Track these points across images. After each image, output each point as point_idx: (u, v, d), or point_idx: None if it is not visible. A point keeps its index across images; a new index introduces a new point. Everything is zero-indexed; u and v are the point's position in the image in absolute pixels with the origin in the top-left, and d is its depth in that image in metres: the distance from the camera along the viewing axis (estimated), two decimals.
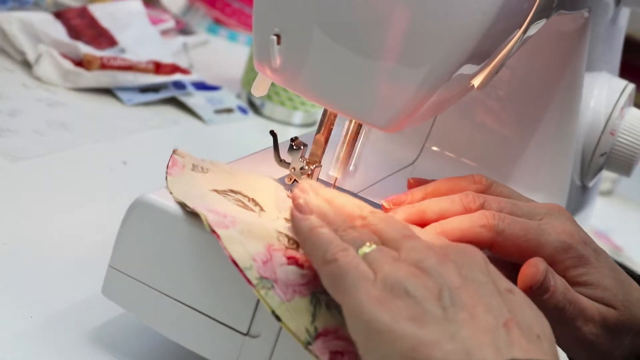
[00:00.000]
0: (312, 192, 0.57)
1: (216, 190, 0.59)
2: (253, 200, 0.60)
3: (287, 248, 0.55)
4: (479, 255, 0.51)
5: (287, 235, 0.56)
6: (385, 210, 0.63)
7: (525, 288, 0.57)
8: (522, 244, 0.59)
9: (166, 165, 0.60)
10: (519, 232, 0.59)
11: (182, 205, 0.57)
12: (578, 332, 0.58)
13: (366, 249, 0.51)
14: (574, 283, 0.59)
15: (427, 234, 0.55)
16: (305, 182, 0.58)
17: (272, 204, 0.61)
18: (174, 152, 0.62)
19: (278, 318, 0.52)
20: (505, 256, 0.60)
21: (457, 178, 0.65)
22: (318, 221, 0.53)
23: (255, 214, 0.59)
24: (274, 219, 0.59)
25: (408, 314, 0.47)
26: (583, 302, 0.58)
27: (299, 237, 0.54)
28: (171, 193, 0.58)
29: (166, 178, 0.59)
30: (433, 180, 0.66)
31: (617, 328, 0.59)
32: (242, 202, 0.59)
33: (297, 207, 0.54)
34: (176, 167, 0.61)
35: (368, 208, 0.57)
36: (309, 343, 0.52)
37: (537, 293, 0.56)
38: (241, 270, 0.52)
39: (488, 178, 0.65)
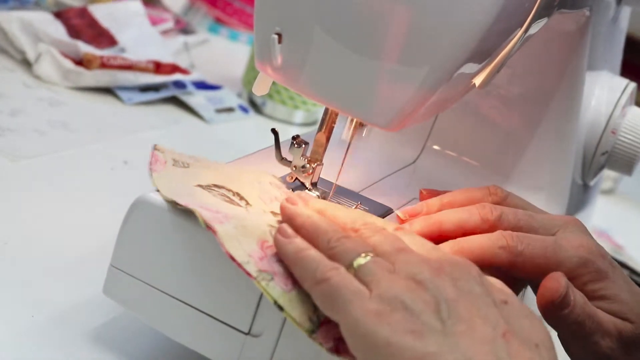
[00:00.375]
0: (301, 204, 0.57)
1: (200, 186, 0.59)
2: (238, 194, 0.60)
3: None
4: (472, 268, 0.51)
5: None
6: (401, 221, 0.63)
7: (546, 302, 0.57)
8: (540, 262, 0.59)
9: (148, 162, 0.60)
10: (537, 252, 0.59)
11: (173, 204, 0.56)
12: (595, 346, 0.58)
13: (361, 260, 0.51)
14: (592, 297, 0.59)
15: (419, 246, 0.55)
16: (294, 194, 0.58)
17: (257, 197, 0.61)
18: (154, 147, 0.62)
19: (281, 308, 0.52)
20: (524, 276, 0.60)
21: (473, 189, 0.65)
22: (304, 243, 0.53)
23: (242, 208, 0.58)
24: (261, 212, 0.59)
25: (407, 327, 0.47)
26: (601, 316, 0.58)
27: (287, 261, 0.54)
28: (158, 191, 0.58)
29: (150, 175, 0.59)
30: (446, 191, 0.66)
31: (633, 342, 0.59)
32: (228, 197, 0.59)
33: (281, 231, 0.54)
34: (158, 164, 0.60)
35: (361, 220, 0.57)
36: (312, 331, 0.52)
37: (558, 307, 0.56)
38: (239, 265, 0.52)
39: (503, 190, 0.65)
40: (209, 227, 0.54)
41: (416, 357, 0.45)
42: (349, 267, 0.51)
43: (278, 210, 0.59)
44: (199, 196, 0.57)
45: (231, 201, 0.59)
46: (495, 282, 0.52)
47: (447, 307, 0.47)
